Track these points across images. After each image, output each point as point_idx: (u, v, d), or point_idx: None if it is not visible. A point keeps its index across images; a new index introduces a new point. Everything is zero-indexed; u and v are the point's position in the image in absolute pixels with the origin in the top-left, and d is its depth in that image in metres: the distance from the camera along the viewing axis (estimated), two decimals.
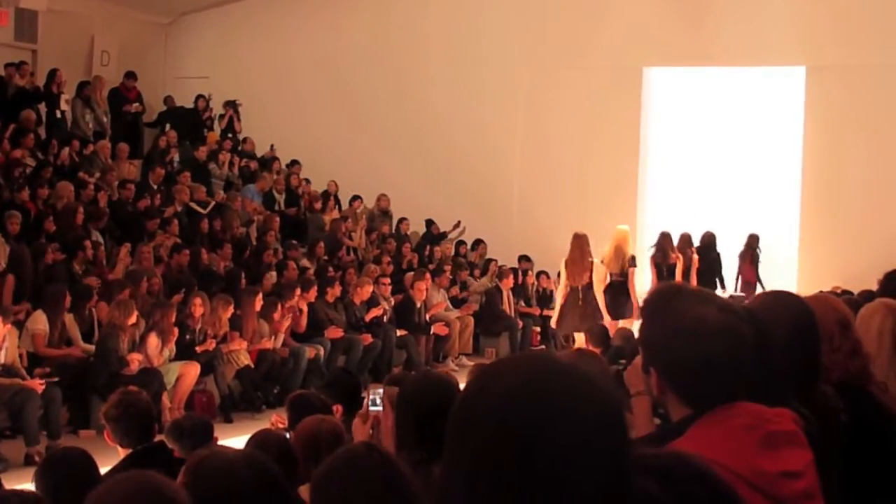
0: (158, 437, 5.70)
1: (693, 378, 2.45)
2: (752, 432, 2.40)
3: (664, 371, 2.49)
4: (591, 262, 13.42)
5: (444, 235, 19.37)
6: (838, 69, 17.51)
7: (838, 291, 11.20)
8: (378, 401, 4.48)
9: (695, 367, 2.43)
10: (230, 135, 20.07)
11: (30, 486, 4.80)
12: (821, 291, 9.14)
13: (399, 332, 15.28)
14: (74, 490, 4.12)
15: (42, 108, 17.04)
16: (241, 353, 12.64)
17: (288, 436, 5.42)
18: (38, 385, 10.17)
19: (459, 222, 19.30)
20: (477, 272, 18.44)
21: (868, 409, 3.41)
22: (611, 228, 16.63)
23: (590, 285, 13.32)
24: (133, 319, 11.41)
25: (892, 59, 17.17)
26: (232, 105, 20.35)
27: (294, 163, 19.79)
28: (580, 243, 13.39)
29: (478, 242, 19.52)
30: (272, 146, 19.97)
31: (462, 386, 2.25)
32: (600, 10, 18.90)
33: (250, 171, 19.12)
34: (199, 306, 12.37)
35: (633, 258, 13.82)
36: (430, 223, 19.47)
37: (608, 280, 13.59)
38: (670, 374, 2.47)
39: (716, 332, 2.44)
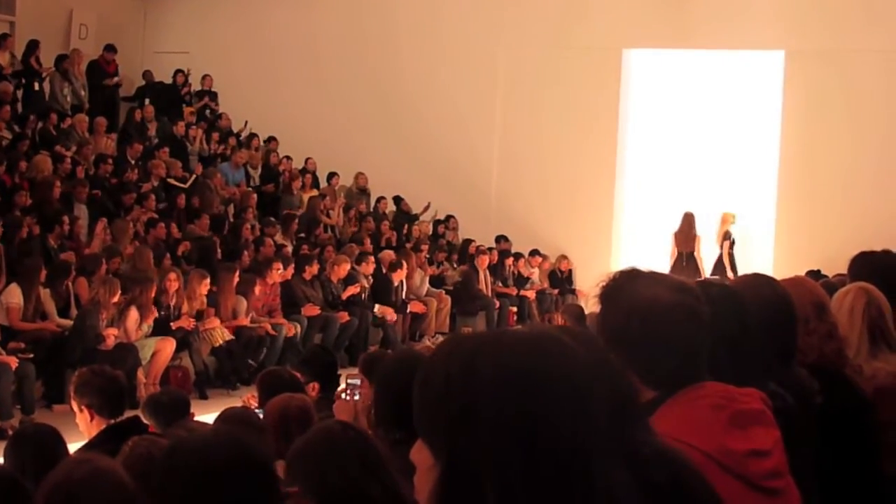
0: (133, 412, 5.67)
1: (651, 359, 2.44)
2: (720, 412, 2.41)
3: (623, 354, 2.49)
4: (696, 236, 17.58)
5: (415, 217, 19.31)
6: (817, 54, 17.57)
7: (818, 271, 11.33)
8: (357, 383, 4.46)
9: (651, 347, 2.43)
10: (208, 111, 19.94)
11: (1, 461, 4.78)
12: (807, 272, 9.18)
13: (378, 309, 15.29)
14: (41, 468, 4.11)
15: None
16: (216, 331, 12.59)
17: (260, 414, 5.41)
18: (13, 361, 10.12)
19: (429, 204, 19.24)
20: (455, 257, 18.38)
21: (842, 392, 3.44)
22: (590, 209, 17.80)
23: (692, 253, 17.54)
24: (117, 298, 11.38)
25: (871, 44, 17.25)
26: (208, 93, 20.23)
27: (271, 139, 19.70)
28: (688, 219, 17.65)
29: (448, 217, 19.45)
30: (246, 122, 19.84)
31: None
32: None
33: (227, 147, 19.01)
34: (173, 281, 12.34)
35: (727, 233, 17.69)
36: (398, 200, 19.41)
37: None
38: (627, 357, 2.47)
39: (670, 312, 2.43)
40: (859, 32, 17.37)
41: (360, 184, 19.47)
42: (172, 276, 12.38)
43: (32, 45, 17.14)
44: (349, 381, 4.51)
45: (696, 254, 17.73)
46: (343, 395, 4.43)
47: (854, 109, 17.40)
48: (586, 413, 1.63)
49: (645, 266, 2.60)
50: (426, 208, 19.29)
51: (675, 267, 17.27)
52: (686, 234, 17.82)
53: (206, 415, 7.52)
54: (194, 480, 3.12)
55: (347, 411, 4.39)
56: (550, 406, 1.61)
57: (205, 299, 12.77)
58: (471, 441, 1.60)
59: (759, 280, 3.39)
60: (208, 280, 12.76)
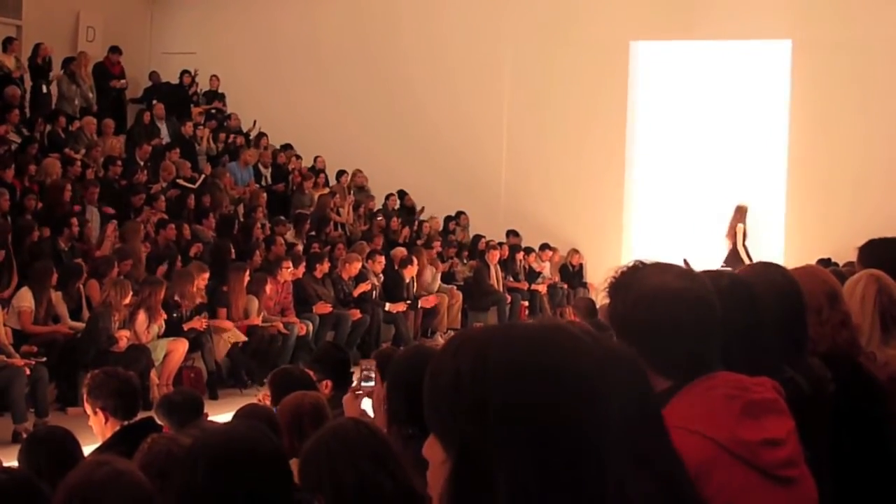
0: (146, 414, 5.67)
1: (661, 346, 2.44)
2: (733, 401, 2.40)
3: (632, 344, 2.48)
4: (736, 229, 17.95)
5: (414, 217, 19.32)
6: (824, 43, 17.50)
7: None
8: (371, 376, 4.47)
9: (661, 334, 2.42)
10: (214, 111, 19.95)
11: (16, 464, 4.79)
12: (818, 261, 9.16)
13: (391, 307, 15.29)
14: (56, 470, 4.12)
15: (27, 83, 16.95)
16: (230, 332, 12.59)
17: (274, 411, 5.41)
18: (26, 366, 10.14)
19: (423, 208, 19.29)
20: (465, 252, 18.38)
21: (856, 380, 3.42)
22: (599, 202, 17.71)
23: (735, 246, 17.96)
24: (128, 299, 11.39)
25: (878, 33, 17.19)
26: (217, 95, 20.28)
27: (287, 146, 19.65)
28: (738, 212, 18.04)
29: (458, 214, 19.46)
30: (255, 122, 19.87)
31: None
32: None
33: (236, 146, 19.04)
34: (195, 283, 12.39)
35: None
36: (402, 194, 19.42)
37: None
38: (638, 346, 2.46)
39: (676, 298, 2.43)
40: (867, 21, 17.30)
41: (357, 182, 19.43)
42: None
43: (37, 48, 17.15)
44: (365, 371, 4.53)
45: (737, 246, 17.99)
46: (363, 383, 4.45)
47: (862, 98, 17.34)
48: (597, 407, 1.62)
49: (653, 258, 2.60)
50: (421, 211, 19.33)
51: (727, 259, 17.66)
52: (731, 227, 18.24)
53: (219, 415, 7.53)
54: (216, 473, 3.14)
55: (356, 409, 4.41)
56: (561, 400, 1.60)
57: (204, 293, 12.77)
58: (481, 435, 1.59)
59: (769, 269, 3.38)
60: (207, 274, 12.78)
